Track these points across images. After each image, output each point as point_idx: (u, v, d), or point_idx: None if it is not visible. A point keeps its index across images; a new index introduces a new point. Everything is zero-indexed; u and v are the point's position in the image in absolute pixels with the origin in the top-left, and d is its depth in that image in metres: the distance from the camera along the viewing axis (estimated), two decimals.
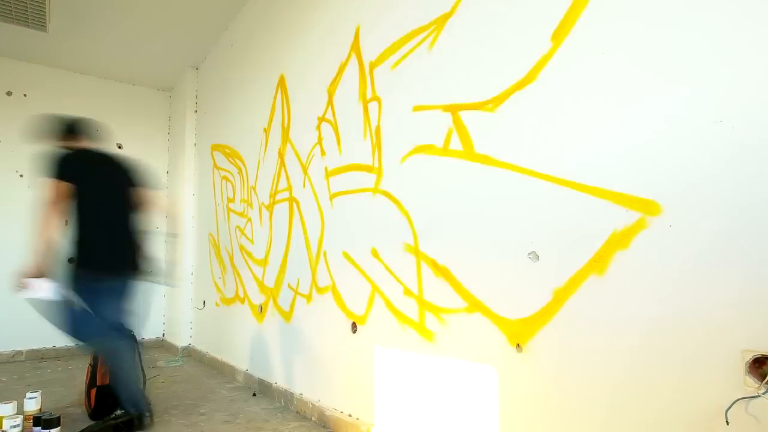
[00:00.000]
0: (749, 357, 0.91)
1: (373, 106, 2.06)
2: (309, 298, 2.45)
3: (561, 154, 1.30)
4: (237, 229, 3.41)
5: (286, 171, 2.79)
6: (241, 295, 3.25)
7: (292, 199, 2.69)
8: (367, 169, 2.07)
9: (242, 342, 3.20)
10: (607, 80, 1.21)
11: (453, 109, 1.65)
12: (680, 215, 1.05)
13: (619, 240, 1.16)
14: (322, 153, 2.43)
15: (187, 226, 4.42)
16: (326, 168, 2.38)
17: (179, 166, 4.60)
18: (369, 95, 2.09)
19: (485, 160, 1.52)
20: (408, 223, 1.82)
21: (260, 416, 2.37)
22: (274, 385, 2.70)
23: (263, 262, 2.98)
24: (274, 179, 2.93)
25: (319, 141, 2.46)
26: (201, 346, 3.91)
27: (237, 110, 3.53)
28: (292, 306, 2.61)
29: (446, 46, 1.69)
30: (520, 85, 1.42)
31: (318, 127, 2.48)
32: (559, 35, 1.32)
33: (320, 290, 2.36)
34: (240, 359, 3.20)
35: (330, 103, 2.38)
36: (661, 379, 1.06)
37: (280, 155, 2.85)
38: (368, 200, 2.05)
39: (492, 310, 1.46)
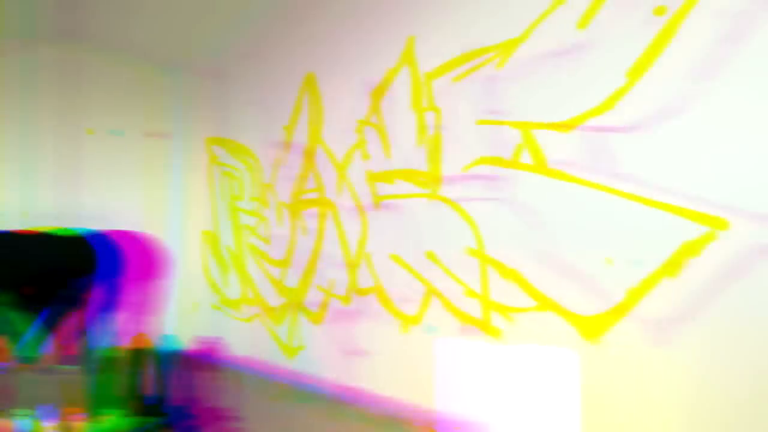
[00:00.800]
0: None
1: (429, 116, 2.21)
2: (346, 299, 2.54)
3: (633, 175, 1.53)
4: (246, 229, 3.40)
5: (316, 171, 2.86)
6: (251, 296, 3.25)
7: (324, 201, 2.77)
8: (423, 175, 2.21)
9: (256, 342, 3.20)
10: (676, 119, 1.44)
11: (523, 127, 1.84)
12: (743, 230, 1.30)
13: (691, 249, 1.40)
14: (365, 156, 2.53)
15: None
16: (370, 172, 2.50)
17: None
18: (425, 104, 2.24)
19: (559, 174, 1.72)
20: (471, 229, 1.98)
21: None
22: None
23: (283, 263, 3.01)
24: (299, 179, 2.98)
25: (361, 144, 2.57)
26: None
27: (248, 106, 3.52)
28: (323, 307, 2.68)
29: (516, 69, 1.88)
30: (595, 112, 1.64)
31: (359, 130, 2.59)
32: (635, 73, 1.55)
33: (361, 292, 2.46)
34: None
35: (375, 108, 2.50)
36: (732, 370, 1.30)
37: (308, 155, 2.91)
38: (423, 206, 2.20)
39: (565, 307, 1.66)
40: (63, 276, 2.30)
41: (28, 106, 3.60)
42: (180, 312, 4.05)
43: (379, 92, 2.48)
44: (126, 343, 2.45)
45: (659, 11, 1.50)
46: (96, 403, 2.00)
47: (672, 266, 1.41)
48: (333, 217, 2.69)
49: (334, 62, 2.77)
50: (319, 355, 2.67)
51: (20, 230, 3.03)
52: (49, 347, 2.12)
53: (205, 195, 3.95)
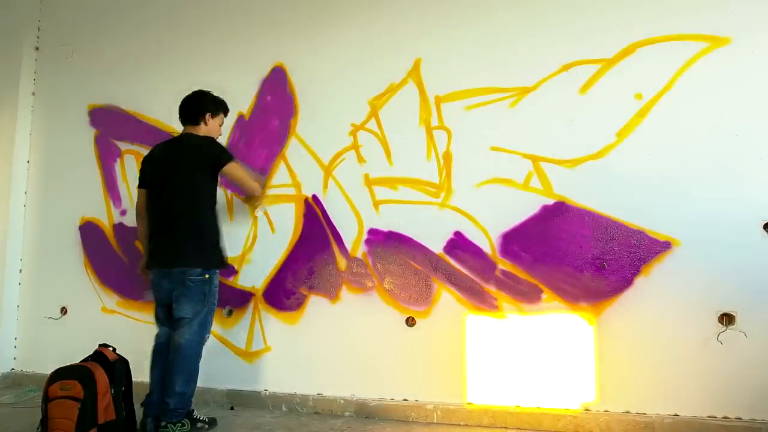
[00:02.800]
0: (720, 313, 2.01)
1: (439, 134, 2.49)
2: (336, 298, 2.53)
3: (620, 204, 2.20)
4: None
5: (289, 167, 2.72)
6: None
7: (302, 198, 2.66)
8: (434, 186, 2.46)
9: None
10: (653, 166, 2.18)
11: (534, 159, 2.33)
12: (690, 247, 2.09)
13: (654, 254, 2.13)
14: (360, 160, 2.60)
15: (15, 206, 3.24)
16: (367, 175, 2.58)
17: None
18: (435, 123, 2.50)
19: (562, 198, 2.28)
20: (484, 235, 2.36)
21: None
22: (262, 392, 2.56)
23: (237, 260, 2.73)
24: (264, 169, 2.76)
25: (355, 147, 2.62)
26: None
27: (173, 76, 2.99)
28: (302, 307, 2.59)
29: (528, 111, 2.36)
30: (592, 157, 2.26)
31: (353, 134, 2.63)
32: (623, 133, 2.24)
33: (355, 290, 2.52)
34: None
35: (375, 115, 2.60)
36: (675, 333, 2.06)
37: (277, 147, 2.75)
38: (432, 212, 2.45)
39: (567, 300, 2.22)
40: None
41: None
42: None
43: (379, 101, 2.60)
44: None
45: (638, 96, 2.22)
46: None
47: (646, 269, 2.12)
48: (320, 216, 2.63)
49: (322, 62, 2.72)
50: (294, 357, 2.56)
51: None
52: None
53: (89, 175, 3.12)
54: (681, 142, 2.14)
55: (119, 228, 3.04)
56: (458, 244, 2.40)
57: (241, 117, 2.85)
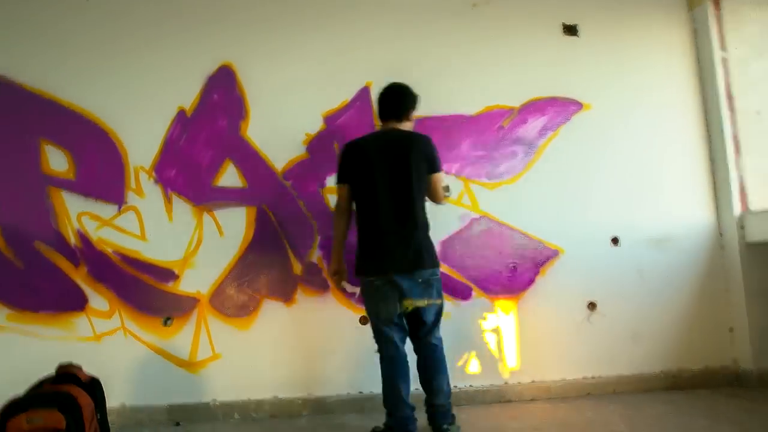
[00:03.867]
0: (588, 302, 2.80)
1: None
2: (291, 302, 2.61)
3: (526, 220, 2.84)
4: (86, 219, 2.55)
5: (239, 170, 2.69)
6: (101, 307, 2.50)
7: (254, 201, 2.65)
8: None
9: (116, 366, 2.47)
10: (547, 192, 2.87)
11: (465, 180, 2.82)
12: (570, 254, 2.84)
13: (548, 259, 2.83)
14: (315, 168, 2.73)
15: None
16: (325, 183, 2.71)
17: None
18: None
19: (486, 214, 2.82)
20: None
21: None
22: (211, 403, 2.49)
23: (178, 264, 2.58)
24: (209, 171, 2.66)
25: (309, 155, 2.74)
26: None
27: (102, 55, 2.65)
28: (255, 312, 2.58)
29: (464, 140, 2.85)
30: (507, 182, 2.86)
31: (306, 143, 2.74)
32: (528, 166, 2.88)
33: (311, 293, 2.64)
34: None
35: (325, 127, 2.76)
36: (561, 317, 2.78)
37: (225, 149, 2.68)
38: None
39: (490, 296, 2.75)
40: None
41: None
42: None
43: (330, 115, 2.77)
44: None
45: (534, 138, 2.90)
46: None
47: (543, 271, 2.80)
48: (272, 219, 2.66)
49: (275, 69, 2.76)
50: (246, 363, 2.54)
51: None
52: None
53: None
54: (562, 177, 2.86)
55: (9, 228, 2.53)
56: None
57: (182, 112, 2.68)
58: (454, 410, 2.17)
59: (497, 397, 2.66)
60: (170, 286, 2.57)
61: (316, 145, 2.75)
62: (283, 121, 2.74)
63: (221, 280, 2.60)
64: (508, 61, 2.92)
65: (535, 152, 2.88)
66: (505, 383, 2.70)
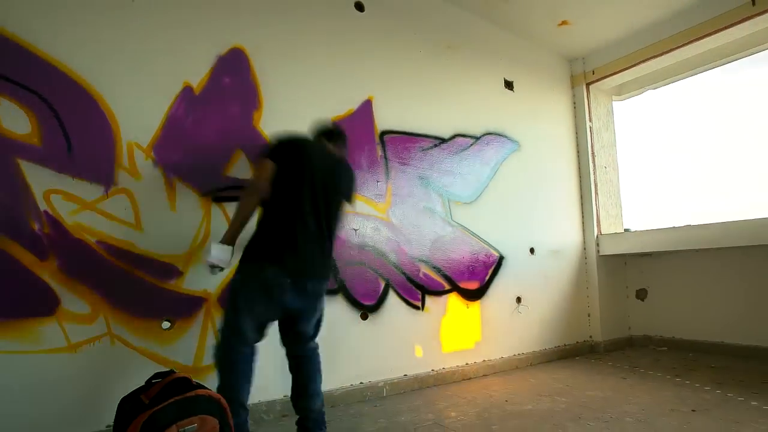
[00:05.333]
0: (516, 296, 3.59)
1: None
2: None
3: (482, 230, 3.45)
4: (58, 199, 2.02)
5: (249, 161, 2.51)
6: (79, 310, 2.01)
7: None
8: (380, 207, 2.97)
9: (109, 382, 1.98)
10: (494, 209, 3.56)
11: (441, 195, 3.28)
12: (507, 259, 3.59)
13: (494, 263, 3.50)
14: None
15: None
16: None
17: None
18: (379, 153, 3.03)
19: (459, 225, 3.32)
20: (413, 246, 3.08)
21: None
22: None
23: (182, 259, 2.25)
24: (219, 159, 2.41)
25: None
26: None
27: (102, 18, 2.12)
28: None
29: (444, 160, 3.29)
30: (471, 200, 3.43)
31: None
32: (485, 189, 3.53)
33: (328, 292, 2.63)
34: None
35: None
36: (495, 309, 3.48)
37: (237, 138, 2.48)
38: (376, 224, 2.95)
39: (459, 294, 3.24)
40: None
41: None
42: None
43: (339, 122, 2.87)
44: None
45: (487, 164, 3.58)
46: None
47: (492, 272, 3.46)
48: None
49: (290, 64, 2.71)
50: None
51: None
52: None
53: None
54: (502, 200, 3.61)
55: None
56: (400, 253, 3.01)
57: (188, 89, 2.36)
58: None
59: (460, 377, 3.16)
60: (172, 284, 2.22)
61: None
62: (296, 120, 2.69)
63: (230, 277, 2.37)
64: (470, 97, 3.53)
65: (490, 177, 3.54)
66: (466, 364, 3.23)
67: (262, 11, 2.64)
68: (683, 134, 4.11)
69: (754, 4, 3.13)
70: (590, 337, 4.03)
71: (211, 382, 2.10)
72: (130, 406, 1.46)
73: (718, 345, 3.62)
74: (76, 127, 2.05)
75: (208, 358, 2.26)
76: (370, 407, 2.56)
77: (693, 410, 2.26)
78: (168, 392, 1.47)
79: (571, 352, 3.83)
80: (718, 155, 3.82)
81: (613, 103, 4.53)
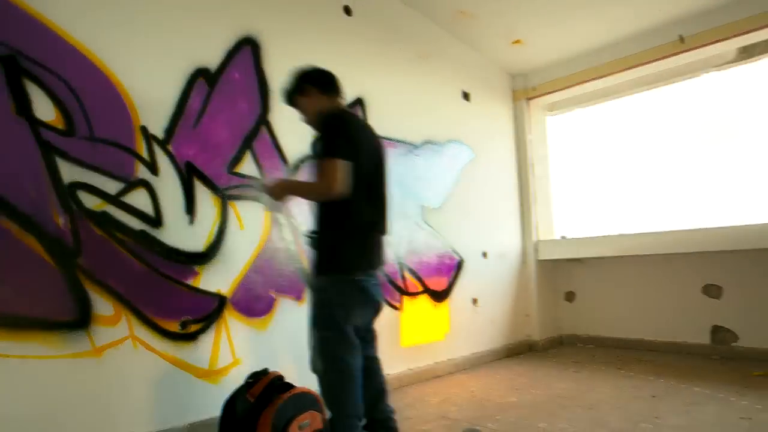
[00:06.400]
0: (473, 298, 4.42)
1: None
2: (302, 300, 2.98)
3: (450, 235, 4.20)
4: (83, 194, 2.21)
5: (256, 158, 2.88)
6: (103, 312, 2.21)
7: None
8: None
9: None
10: (458, 217, 4.34)
11: (418, 203, 3.95)
12: (466, 263, 4.39)
13: (456, 266, 4.27)
14: None
15: None
16: None
17: None
18: None
19: (432, 227, 4.01)
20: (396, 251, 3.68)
21: None
22: None
23: (200, 258, 2.55)
24: (231, 155, 2.74)
25: None
26: None
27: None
28: (272, 311, 2.82)
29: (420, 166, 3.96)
30: (439, 205, 4.16)
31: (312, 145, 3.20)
32: (448, 195, 4.29)
33: None
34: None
35: None
36: (460, 308, 4.27)
37: (248, 136, 2.83)
38: None
39: (429, 295, 3.93)
40: None
41: None
42: None
43: None
44: None
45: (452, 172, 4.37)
46: None
47: (456, 275, 4.25)
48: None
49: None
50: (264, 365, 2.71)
51: None
52: None
53: None
54: (462, 205, 4.43)
55: None
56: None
57: (203, 81, 2.66)
58: None
59: (431, 374, 3.86)
60: (189, 284, 2.50)
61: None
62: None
63: (242, 277, 2.71)
64: (437, 106, 4.29)
65: (452, 184, 4.32)
66: (435, 363, 3.93)
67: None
68: (609, 149, 5.40)
69: (682, 41, 4.41)
70: (529, 336, 5.07)
71: (226, 384, 2.45)
72: (243, 404, 1.81)
73: (640, 341, 4.88)
74: (98, 114, 2.25)
75: (223, 360, 2.59)
76: None
77: (653, 396, 3.20)
78: (271, 390, 1.85)
79: (515, 350, 4.79)
80: (641, 170, 5.13)
81: (547, 118, 5.71)
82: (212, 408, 2.47)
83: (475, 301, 4.42)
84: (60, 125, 2.14)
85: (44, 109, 2.10)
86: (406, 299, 3.75)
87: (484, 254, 4.63)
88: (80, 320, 2.12)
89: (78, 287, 2.12)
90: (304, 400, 1.90)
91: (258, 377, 2.01)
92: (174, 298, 2.43)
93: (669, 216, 4.82)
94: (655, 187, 5.04)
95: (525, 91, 5.37)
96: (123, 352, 2.23)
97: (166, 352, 2.38)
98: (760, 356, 4.15)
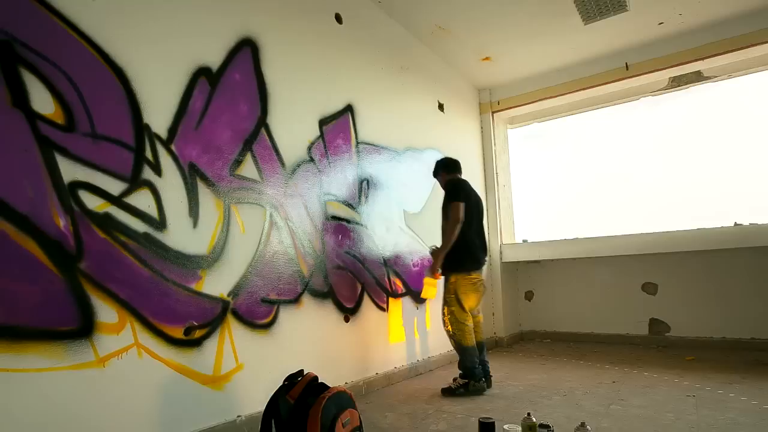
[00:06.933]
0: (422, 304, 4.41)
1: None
2: (300, 303, 2.82)
3: (428, 238, 4.17)
4: (85, 194, 1.97)
5: (256, 161, 2.71)
6: (107, 319, 1.98)
7: (269, 200, 2.72)
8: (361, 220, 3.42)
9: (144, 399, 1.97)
10: (427, 220, 4.33)
11: (400, 207, 3.89)
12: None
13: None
14: (317, 173, 3.08)
15: None
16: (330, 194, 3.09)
17: None
18: (356, 161, 3.49)
19: (413, 232, 3.96)
20: (379, 253, 3.59)
21: None
22: (237, 420, 2.39)
23: (202, 261, 2.35)
24: (233, 157, 2.56)
25: (313, 161, 3.07)
26: None
27: None
28: (273, 314, 2.65)
29: (400, 170, 3.90)
30: (417, 211, 4.12)
31: (307, 149, 3.07)
32: (425, 201, 4.26)
33: (316, 295, 2.94)
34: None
35: (322, 136, 3.19)
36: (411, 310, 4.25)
37: (248, 138, 2.66)
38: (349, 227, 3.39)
39: (411, 297, 3.86)
40: None
41: None
42: None
43: (324, 122, 3.24)
44: None
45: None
46: None
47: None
48: (284, 220, 2.81)
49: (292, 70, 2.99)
50: (267, 369, 2.54)
51: None
52: None
53: None
54: (437, 211, 4.41)
55: None
56: (371, 258, 3.50)
57: (204, 80, 2.47)
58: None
59: (414, 372, 3.80)
60: (193, 287, 2.29)
61: (315, 150, 3.12)
62: (293, 123, 2.98)
63: (244, 281, 2.53)
64: (417, 115, 4.28)
65: (429, 190, 4.31)
66: (417, 361, 3.88)
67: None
68: (563, 161, 5.61)
69: (627, 68, 4.66)
70: (495, 333, 5.13)
71: (231, 390, 2.28)
72: (285, 406, 1.68)
73: (589, 334, 5.09)
74: (100, 109, 2.02)
75: (227, 366, 2.40)
76: (364, 405, 2.98)
77: (614, 381, 3.34)
78: (310, 391, 1.73)
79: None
80: (592, 180, 5.37)
81: (508, 130, 5.85)
82: (219, 415, 2.32)
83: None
84: (60, 119, 1.89)
85: (42, 101, 1.85)
86: (392, 300, 3.67)
87: None
88: (83, 329, 1.87)
89: (80, 293, 1.87)
90: (343, 399, 1.80)
91: (294, 379, 1.87)
92: (178, 303, 2.22)
93: (615, 222, 5.08)
94: (604, 195, 5.30)
95: (490, 104, 5.48)
96: (128, 361, 2.00)
97: (171, 359, 2.16)
98: (688, 344, 4.47)
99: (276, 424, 1.75)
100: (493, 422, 2.13)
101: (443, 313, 3.33)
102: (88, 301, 1.90)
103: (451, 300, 3.29)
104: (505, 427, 2.14)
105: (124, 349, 2.00)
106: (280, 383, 2.00)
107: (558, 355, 4.46)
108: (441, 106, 4.68)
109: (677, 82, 4.83)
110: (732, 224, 4.26)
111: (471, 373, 3.17)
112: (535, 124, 5.80)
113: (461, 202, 3.27)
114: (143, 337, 2.07)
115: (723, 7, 3.97)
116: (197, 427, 2.21)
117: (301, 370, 2.02)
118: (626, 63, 4.67)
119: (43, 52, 1.86)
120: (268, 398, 1.96)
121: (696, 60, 4.37)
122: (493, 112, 5.49)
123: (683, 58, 4.42)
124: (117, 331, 1.99)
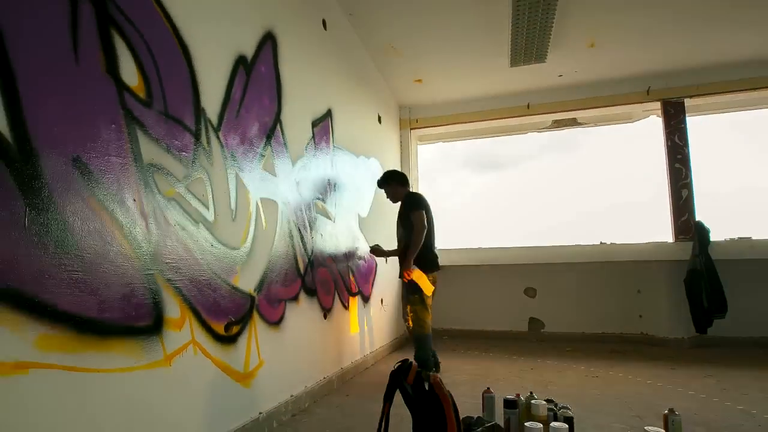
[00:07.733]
0: (381, 298, 4.73)
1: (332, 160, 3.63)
2: (298, 301, 2.84)
3: (370, 239, 4.42)
4: (159, 176, 1.82)
5: (273, 156, 2.68)
6: (171, 314, 1.85)
7: (278, 193, 2.70)
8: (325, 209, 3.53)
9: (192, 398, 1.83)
10: (376, 223, 4.60)
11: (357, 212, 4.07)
12: (379, 266, 4.67)
13: (374, 269, 4.51)
14: (313, 169, 3.12)
15: None
16: (320, 196, 3.14)
17: None
18: (331, 160, 3.60)
19: (361, 232, 4.16)
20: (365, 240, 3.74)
21: None
22: (260, 417, 2.34)
23: (239, 256, 2.27)
24: (259, 150, 2.51)
25: (308, 160, 3.11)
26: None
27: None
28: (282, 310, 2.63)
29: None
30: (365, 214, 4.35)
31: (305, 148, 3.10)
32: (369, 206, 4.52)
33: (309, 293, 2.97)
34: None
35: (313, 137, 3.25)
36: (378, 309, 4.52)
37: (268, 130, 2.62)
38: (329, 226, 3.50)
39: (360, 295, 4.07)
40: None
41: None
42: None
43: (315, 123, 3.31)
44: None
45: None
46: None
47: (372, 277, 4.52)
48: (286, 214, 2.81)
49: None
50: (280, 364, 2.50)
51: None
52: None
53: None
54: (376, 215, 4.73)
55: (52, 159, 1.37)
56: (340, 258, 3.63)
57: (242, 70, 2.40)
58: None
59: (362, 367, 4.02)
60: (232, 282, 2.20)
61: (309, 150, 3.17)
62: (297, 121, 3.01)
63: (264, 277, 2.49)
64: (365, 125, 4.56)
65: (372, 196, 4.59)
66: (364, 355, 4.10)
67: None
68: (468, 179, 6.44)
69: (528, 108, 5.62)
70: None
71: (256, 387, 2.30)
72: (416, 392, 1.79)
73: (480, 331, 5.88)
74: (170, 87, 1.87)
75: (253, 363, 2.34)
76: (342, 398, 3.11)
77: (532, 368, 4.02)
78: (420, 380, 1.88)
79: (401, 342, 5.26)
80: (490, 198, 6.28)
81: (418, 146, 6.44)
82: (247, 412, 2.27)
83: (381, 300, 4.73)
84: (141, 93, 1.72)
85: (129, 71, 1.66)
86: (351, 299, 3.84)
87: (386, 260, 4.98)
88: (154, 325, 1.72)
89: (153, 285, 1.72)
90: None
91: (402, 366, 1.96)
92: (223, 298, 2.12)
93: (508, 235, 6.07)
94: (499, 211, 6.27)
95: (409, 121, 5.98)
96: (186, 358, 1.87)
97: (216, 356, 2.06)
98: (559, 338, 5.57)
99: (405, 398, 1.86)
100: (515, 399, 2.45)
101: (406, 312, 3.65)
102: (159, 293, 1.74)
103: (415, 299, 3.62)
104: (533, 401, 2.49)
105: (184, 347, 1.88)
106: (292, 379, 2.11)
107: (467, 349, 5.10)
108: (380, 119, 5.00)
109: (557, 124, 6.00)
110: (598, 243, 5.48)
111: (426, 364, 3.54)
112: (440, 143, 6.50)
113: (422, 210, 3.62)
114: (198, 334, 1.95)
115: (609, 69, 5.13)
116: (233, 425, 2.14)
117: (407, 359, 2.10)
118: (528, 103, 5.64)
119: (130, 15, 1.67)
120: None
121: (577, 109, 5.54)
122: (411, 129, 6.01)
123: (567, 106, 5.55)
124: (179, 327, 1.85)
